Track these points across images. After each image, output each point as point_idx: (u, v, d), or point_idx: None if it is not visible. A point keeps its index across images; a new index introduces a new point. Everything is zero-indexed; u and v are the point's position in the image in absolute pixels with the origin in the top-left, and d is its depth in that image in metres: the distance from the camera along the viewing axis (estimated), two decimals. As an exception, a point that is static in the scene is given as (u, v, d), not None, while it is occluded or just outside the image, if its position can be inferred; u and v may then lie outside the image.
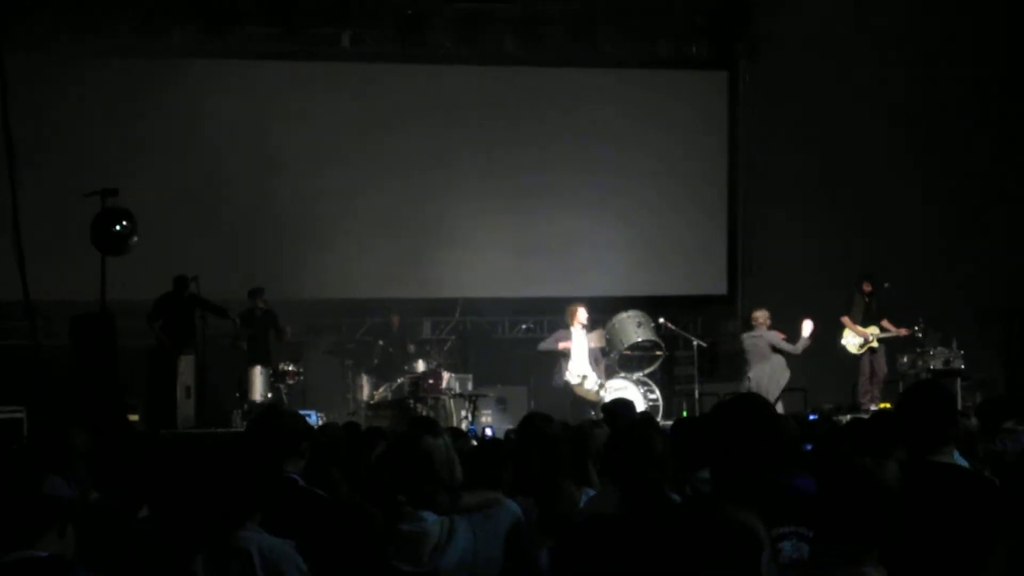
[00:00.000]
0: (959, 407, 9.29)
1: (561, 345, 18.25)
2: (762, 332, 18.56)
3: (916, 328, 18.75)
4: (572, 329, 18.29)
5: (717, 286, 22.74)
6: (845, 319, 18.99)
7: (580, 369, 18.07)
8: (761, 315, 18.71)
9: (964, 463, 7.18)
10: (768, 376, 18.30)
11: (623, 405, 10.66)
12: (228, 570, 5.48)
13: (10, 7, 18.53)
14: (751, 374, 18.42)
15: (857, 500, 4.52)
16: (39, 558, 4.97)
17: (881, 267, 19.16)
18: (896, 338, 18.94)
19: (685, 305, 21.91)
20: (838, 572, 4.41)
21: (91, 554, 5.35)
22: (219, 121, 19.77)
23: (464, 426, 17.63)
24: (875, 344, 18.86)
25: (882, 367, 18.91)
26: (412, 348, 19.91)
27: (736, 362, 19.89)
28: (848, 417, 13.73)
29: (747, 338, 18.81)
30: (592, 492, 7.15)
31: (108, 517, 6.04)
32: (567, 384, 18.05)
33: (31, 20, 19.19)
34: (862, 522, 4.50)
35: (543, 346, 18.69)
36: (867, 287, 19.02)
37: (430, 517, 6.12)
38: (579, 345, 18.22)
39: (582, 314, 18.34)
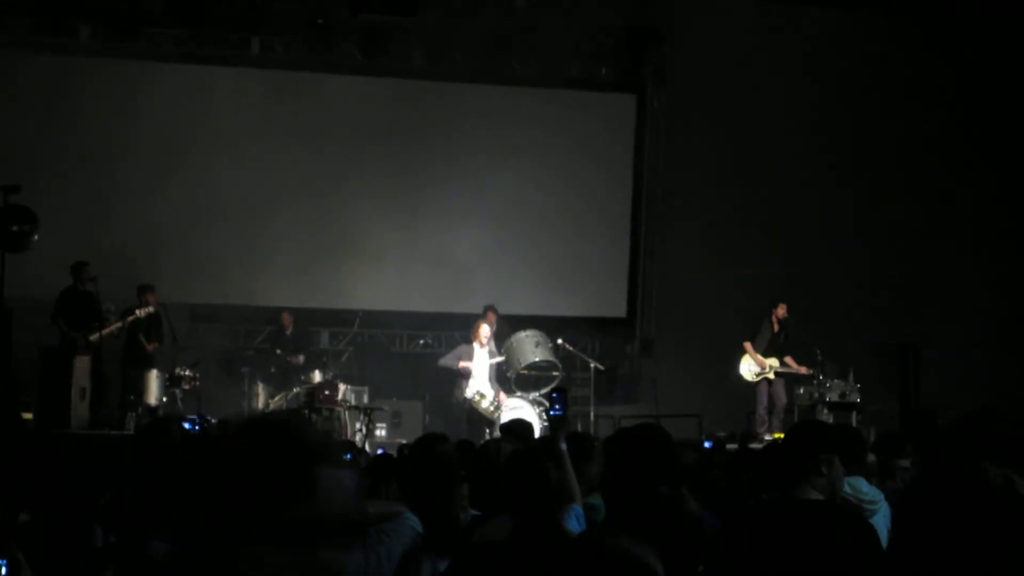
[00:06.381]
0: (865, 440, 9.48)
1: (461, 364, 18.26)
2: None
3: (815, 370, 18.78)
4: (474, 345, 18.34)
5: (617, 309, 22.78)
6: (747, 344, 19.02)
7: (479, 387, 18.08)
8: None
9: (871, 492, 7.31)
10: None
11: (521, 427, 10.62)
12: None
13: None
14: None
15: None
16: None
17: (781, 295, 19.20)
18: (795, 374, 19.03)
19: (585, 326, 21.95)
20: None
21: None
22: (124, 123, 19.78)
23: (358, 439, 17.58)
24: (771, 376, 18.92)
25: (781, 397, 18.91)
26: (300, 359, 19.69)
27: (632, 385, 19.97)
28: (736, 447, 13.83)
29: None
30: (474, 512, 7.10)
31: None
32: (465, 401, 18.07)
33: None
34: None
35: (443, 362, 18.68)
36: (781, 312, 19.00)
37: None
38: (480, 363, 18.26)
39: (485, 331, 18.42)
